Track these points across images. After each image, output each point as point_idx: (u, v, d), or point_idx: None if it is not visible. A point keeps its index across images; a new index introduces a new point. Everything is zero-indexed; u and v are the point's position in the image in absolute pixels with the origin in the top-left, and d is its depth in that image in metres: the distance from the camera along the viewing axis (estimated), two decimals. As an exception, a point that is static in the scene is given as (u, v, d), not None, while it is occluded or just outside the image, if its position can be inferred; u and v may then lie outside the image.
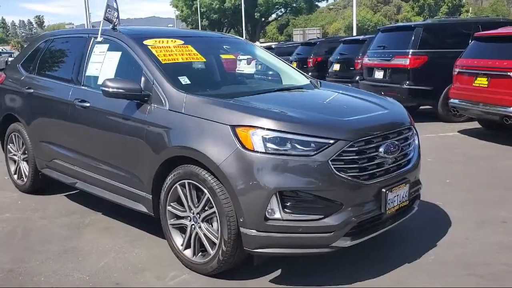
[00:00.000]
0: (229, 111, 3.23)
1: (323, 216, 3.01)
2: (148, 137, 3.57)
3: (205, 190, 3.20)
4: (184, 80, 3.75)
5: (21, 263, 3.63)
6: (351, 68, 12.26)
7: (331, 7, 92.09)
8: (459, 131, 8.63)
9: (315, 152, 2.98)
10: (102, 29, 4.33)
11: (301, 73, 4.72)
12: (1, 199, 5.19)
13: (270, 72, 4.79)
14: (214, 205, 3.17)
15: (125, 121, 3.76)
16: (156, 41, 4.09)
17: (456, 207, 4.54)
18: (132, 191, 3.82)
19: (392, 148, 3.29)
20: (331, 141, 3.02)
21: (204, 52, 4.23)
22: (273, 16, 62.92)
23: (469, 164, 6.28)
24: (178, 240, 3.50)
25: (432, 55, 9.26)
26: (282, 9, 60.26)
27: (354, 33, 25.93)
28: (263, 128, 3.03)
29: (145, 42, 4.05)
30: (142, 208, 3.77)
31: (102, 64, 4.18)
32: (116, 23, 4.38)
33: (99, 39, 4.31)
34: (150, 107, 3.61)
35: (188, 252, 3.43)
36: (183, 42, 4.23)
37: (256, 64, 6.28)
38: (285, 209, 2.99)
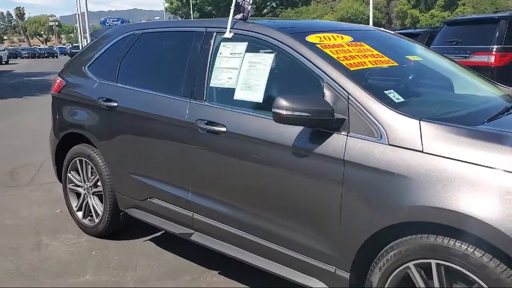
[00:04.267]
0: None
1: None
2: (351, 185, 2.33)
3: (481, 282, 1.98)
4: (394, 96, 2.50)
5: None
6: (405, 65, 11.08)
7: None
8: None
9: None
10: (232, 20, 3.06)
11: (487, 79, 3.48)
12: (65, 247, 3.86)
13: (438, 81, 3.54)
14: (502, 308, 1.95)
15: (300, 159, 2.51)
16: (321, 38, 2.84)
17: None
18: (304, 261, 2.59)
19: None
20: None
21: (385, 52, 2.97)
22: (268, 8, 61.24)
23: None
24: None
25: (521, 52, 8.11)
26: (278, 1, 58.62)
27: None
28: None
29: (309, 39, 2.80)
30: (321, 286, 2.54)
31: (239, 71, 2.90)
32: (249, 13, 3.12)
33: (228, 35, 3.04)
34: (348, 139, 2.36)
35: None
36: (352, 38, 2.99)
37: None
38: None
